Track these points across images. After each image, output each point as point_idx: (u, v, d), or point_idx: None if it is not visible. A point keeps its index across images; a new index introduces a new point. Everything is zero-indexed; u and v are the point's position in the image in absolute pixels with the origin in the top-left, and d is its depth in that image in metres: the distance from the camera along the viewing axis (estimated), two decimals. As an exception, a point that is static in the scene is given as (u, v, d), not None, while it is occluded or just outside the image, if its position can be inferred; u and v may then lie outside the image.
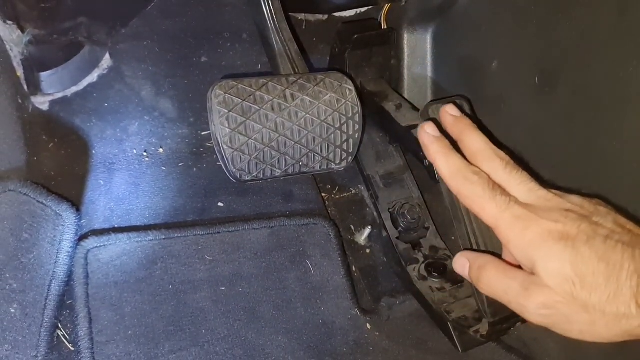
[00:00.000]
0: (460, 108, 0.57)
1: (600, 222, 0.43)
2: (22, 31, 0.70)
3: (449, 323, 0.63)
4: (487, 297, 0.53)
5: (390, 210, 0.73)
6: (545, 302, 0.42)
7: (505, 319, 0.57)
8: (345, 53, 0.76)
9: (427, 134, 0.53)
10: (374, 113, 0.74)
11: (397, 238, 0.72)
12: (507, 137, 0.69)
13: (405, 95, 0.84)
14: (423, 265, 0.70)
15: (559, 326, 0.43)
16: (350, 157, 0.63)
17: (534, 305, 0.42)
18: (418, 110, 0.68)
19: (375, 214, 0.77)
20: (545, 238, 0.42)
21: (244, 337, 0.65)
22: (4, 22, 0.69)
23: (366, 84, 0.78)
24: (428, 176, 0.61)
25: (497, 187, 0.47)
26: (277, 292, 0.69)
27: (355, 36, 0.74)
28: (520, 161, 0.67)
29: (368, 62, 0.78)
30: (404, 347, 0.69)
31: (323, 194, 0.82)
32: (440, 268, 0.69)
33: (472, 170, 0.49)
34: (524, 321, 0.57)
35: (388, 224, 0.73)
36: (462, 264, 0.51)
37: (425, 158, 0.55)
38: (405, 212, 0.72)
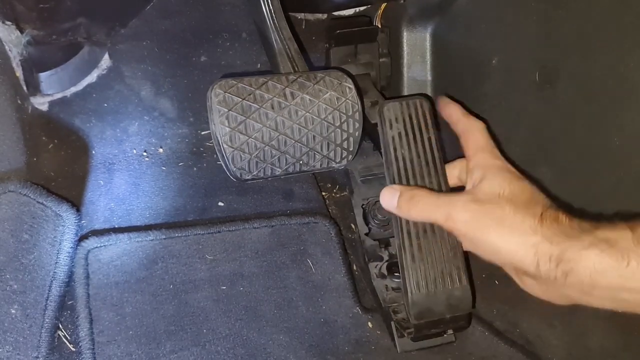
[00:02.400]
0: (419, 113, 0.60)
1: None
2: (21, 32, 0.70)
3: (392, 323, 0.64)
4: (411, 299, 0.54)
5: (363, 206, 0.72)
6: (471, 215, 0.47)
7: (434, 323, 0.56)
8: (330, 48, 0.76)
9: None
10: None
11: (366, 234, 0.71)
12: (507, 134, 0.68)
13: (405, 94, 0.84)
14: (386, 264, 0.69)
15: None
16: (350, 156, 0.63)
17: (461, 218, 0.48)
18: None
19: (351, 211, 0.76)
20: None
21: (245, 336, 0.65)
22: (3, 22, 0.69)
23: None
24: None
25: None
26: (278, 291, 0.69)
27: (337, 32, 0.74)
28: (521, 160, 0.67)
29: (353, 59, 0.78)
30: (405, 346, 0.69)
31: (323, 193, 0.82)
32: None
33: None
34: (455, 329, 0.59)
35: (359, 219, 0.72)
36: (391, 193, 0.54)
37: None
38: (377, 209, 0.71)
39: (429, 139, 0.60)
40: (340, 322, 0.69)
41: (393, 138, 0.60)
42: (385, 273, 0.69)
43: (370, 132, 0.70)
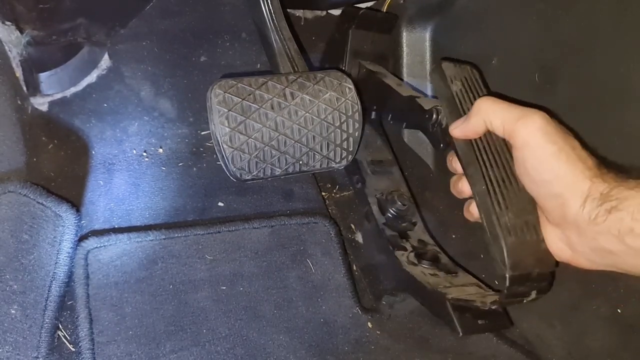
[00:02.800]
0: (473, 76, 0.57)
1: None
2: (21, 32, 0.70)
3: (447, 302, 0.58)
4: (505, 245, 0.49)
5: (377, 196, 0.71)
6: (541, 125, 0.44)
7: (526, 277, 0.50)
8: (350, 30, 0.75)
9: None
10: (371, 90, 0.72)
11: (384, 224, 0.70)
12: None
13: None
14: (412, 253, 0.67)
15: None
16: (350, 156, 0.63)
17: (536, 125, 0.45)
18: (419, 93, 0.67)
19: (360, 201, 0.74)
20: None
21: (245, 336, 0.65)
22: (3, 23, 0.69)
23: (366, 64, 0.77)
24: (432, 145, 0.60)
25: None
26: (278, 291, 0.69)
27: (362, 11, 0.73)
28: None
29: (369, 46, 0.77)
30: (405, 345, 0.69)
31: (323, 193, 0.82)
32: (432, 258, 0.66)
33: None
34: (539, 291, 0.52)
35: (375, 208, 0.70)
36: (460, 120, 0.53)
37: (432, 123, 0.57)
38: (395, 197, 0.70)
39: None
40: (340, 322, 0.69)
41: (456, 93, 0.57)
42: (416, 262, 0.66)
43: (403, 108, 0.67)
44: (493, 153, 0.52)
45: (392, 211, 0.70)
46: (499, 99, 0.49)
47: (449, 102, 0.57)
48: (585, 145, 0.46)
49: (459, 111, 0.56)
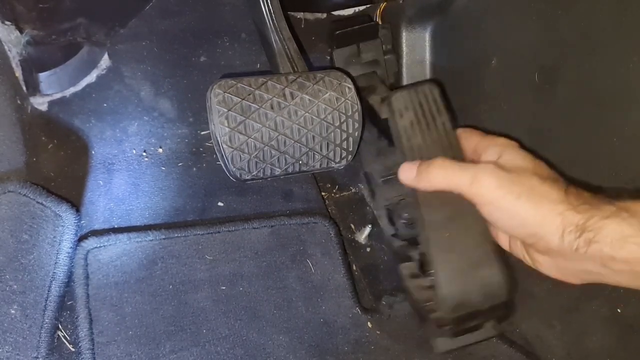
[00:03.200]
0: (430, 98, 0.58)
1: None
2: (21, 32, 0.70)
3: (428, 321, 0.59)
4: (444, 293, 0.51)
5: (387, 206, 0.71)
6: (494, 181, 0.46)
7: (474, 314, 0.53)
8: (332, 52, 0.75)
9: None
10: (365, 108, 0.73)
11: (393, 235, 0.69)
12: (506, 134, 0.68)
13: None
14: (417, 263, 0.67)
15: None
16: (350, 156, 0.63)
17: (489, 184, 0.46)
18: None
19: (374, 211, 0.75)
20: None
21: (245, 336, 0.65)
22: (3, 22, 0.69)
23: (356, 80, 0.77)
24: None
25: None
26: (277, 291, 0.69)
27: (337, 32, 0.73)
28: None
29: (357, 58, 0.77)
30: (405, 346, 0.69)
31: (323, 193, 0.82)
32: None
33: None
34: (498, 320, 0.55)
35: (384, 221, 0.70)
36: (410, 165, 0.53)
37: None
38: (401, 208, 0.69)
39: (443, 123, 0.57)
40: (340, 322, 0.69)
41: (405, 128, 0.58)
42: (418, 273, 0.64)
43: (384, 129, 0.68)
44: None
45: (401, 219, 0.70)
46: (448, 160, 0.50)
47: (397, 140, 0.58)
48: (551, 166, 0.48)
49: (406, 148, 0.57)
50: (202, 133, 0.80)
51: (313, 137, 0.59)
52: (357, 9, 0.90)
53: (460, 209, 0.52)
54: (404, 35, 0.82)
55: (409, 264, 0.67)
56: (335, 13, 0.91)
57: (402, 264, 0.67)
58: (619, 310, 0.57)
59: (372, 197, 0.72)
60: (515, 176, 0.46)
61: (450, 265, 0.52)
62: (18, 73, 0.72)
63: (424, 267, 0.66)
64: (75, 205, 0.68)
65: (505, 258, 0.52)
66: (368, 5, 0.88)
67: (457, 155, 0.55)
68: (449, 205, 0.52)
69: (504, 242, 0.53)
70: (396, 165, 0.72)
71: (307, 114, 0.59)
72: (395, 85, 0.82)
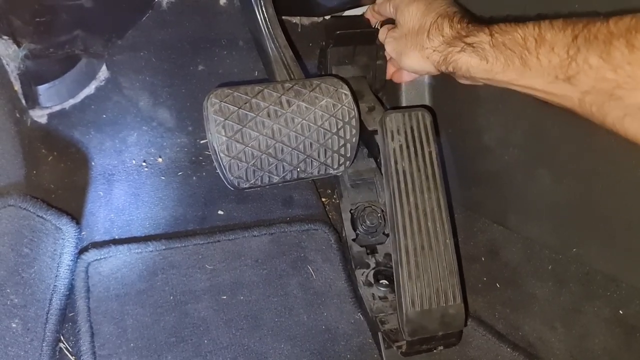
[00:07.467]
0: (421, 124, 0.62)
1: None
2: (18, 46, 0.70)
3: (379, 333, 0.63)
4: (405, 315, 0.56)
5: (351, 211, 0.71)
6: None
7: (428, 339, 0.58)
8: (328, 48, 0.75)
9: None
10: None
11: (353, 240, 0.70)
12: (505, 136, 0.68)
13: (403, 99, 0.83)
14: (373, 272, 0.68)
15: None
16: (348, 162, 0.63)
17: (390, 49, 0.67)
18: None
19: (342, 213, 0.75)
20: None
21: (247, 345, 0.64)
22: (0, 37, 0.69)
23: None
24: None
25: None
26: (279, 298, 0.69)
27: (338, 32, 0.74)
28: (519, 162, 0.67)
29: (351, 60, 0.77)
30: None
31: (323, 199, 0.82)
32: (390, 277, 0.67)
33: None
34: (446, 346, 0.60)
35: (347, 224, 0.70)
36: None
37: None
38: (366, 215, 0.70)
39: (430, 153, 0.61)
40: (342, 329, 0.68)
41: (394, 150, 0.60)
42: (372, 281, 0.68)
43: (366, 139, 0.70)
44: (420, 217, 0.59)
45: (362, 228, 0.70)
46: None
47: (384, 160, 0.62)
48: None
49: (392, 171, 0.60)
50: (202, 142, 0.80)
51: (310, 144, 0.59)
52: (352, 12, 0.90)
53: (433, 238, 0.58)
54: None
55: (365, 271, 0.68)
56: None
57: (357, 270, 0.68)
58: (621, 312, 0.57)
59: (339, 199, 0.73)
60: (399, 42, 0.64)
61: (416, 291, 0.57)
62: (17, 86, 0.72)
63: (377, 277, 0.67)
64: (76, 217, 0.68)
65: (464, 291, 0.59)
66: (364, 11, 0.88)
67: (439, 187, 0.60)
68: (423, 234, 0.58)
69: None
70: (366, 171, 0.73)
71: (304, 121, 0.59)
72: (383, 92, 0.82)
